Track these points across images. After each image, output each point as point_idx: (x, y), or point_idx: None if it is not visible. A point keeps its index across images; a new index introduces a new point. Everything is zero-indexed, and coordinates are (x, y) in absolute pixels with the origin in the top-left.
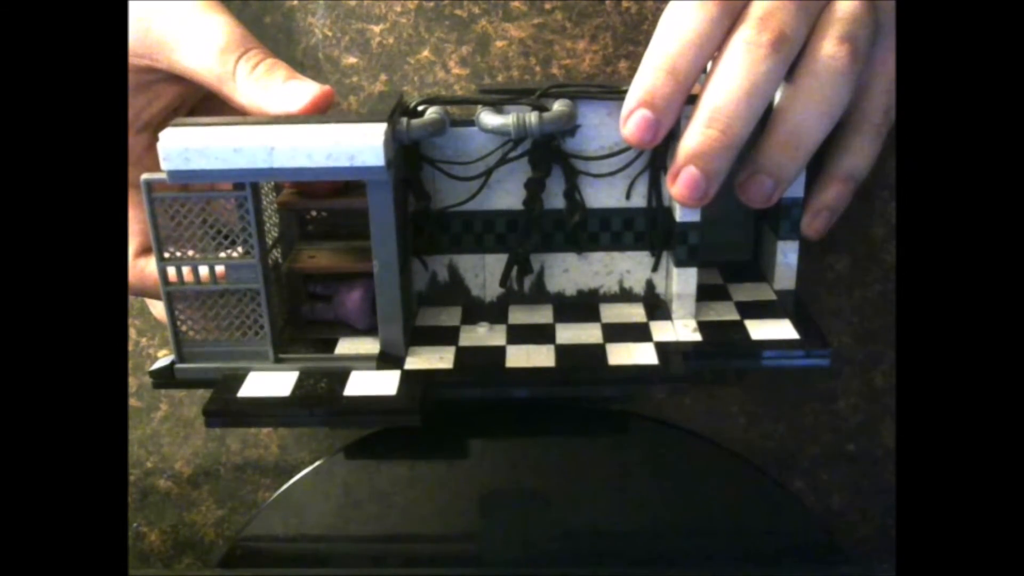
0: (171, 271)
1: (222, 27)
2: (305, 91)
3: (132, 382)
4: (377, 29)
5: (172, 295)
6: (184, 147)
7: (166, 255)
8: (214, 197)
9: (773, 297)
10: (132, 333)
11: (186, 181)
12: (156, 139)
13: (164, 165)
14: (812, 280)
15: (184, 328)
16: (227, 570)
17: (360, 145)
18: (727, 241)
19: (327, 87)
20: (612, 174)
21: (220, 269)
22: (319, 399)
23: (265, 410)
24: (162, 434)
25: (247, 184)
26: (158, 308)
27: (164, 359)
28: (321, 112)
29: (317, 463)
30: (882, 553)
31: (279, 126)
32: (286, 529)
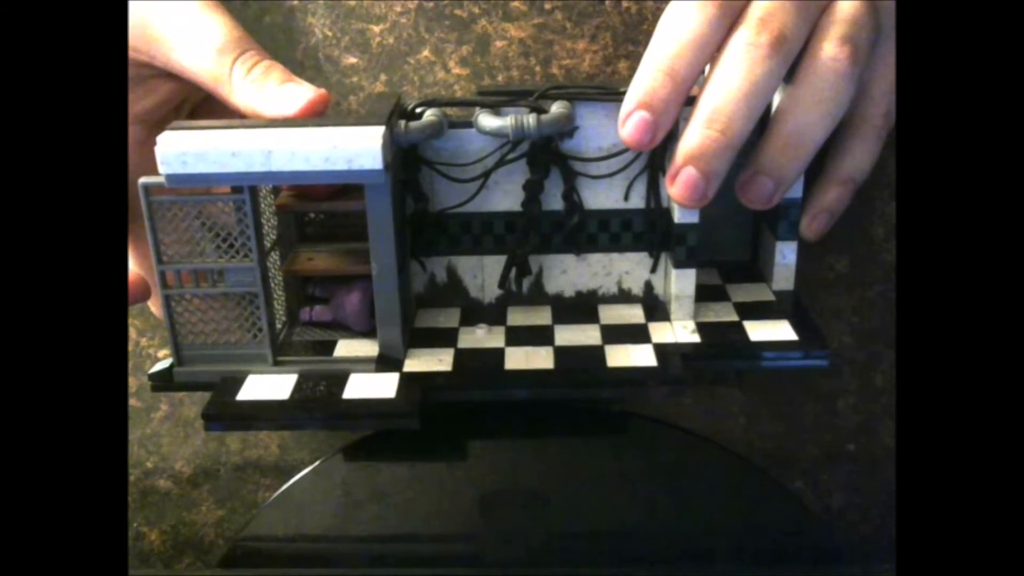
0: (170, 275)
1: (219, 27)
2: (300, 95)
3: (132, 382)
4: (377, 29)
5: (171, 299)
6: (182, 151)
7: (164, 259)
8: (212, 201)
9: (772, 298)
10: (132, 333)
11: (184, 185)
12: (151, 134)
13: (162, 169)
14: (812, 280)
15: (184, 331)
16: (227, 570)
17: (358, 148)
18: (726, 241)
19: (322, 91)
20: (611, 175)
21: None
22: (318, 402)
23: (264, 413)
24: (162, 434)
25: (245, 188)
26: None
27: (162, 362)
28: (317, 116)
29: (317, 463)
30: (882, 553)
31: (277, 129)
32: (286, 529)
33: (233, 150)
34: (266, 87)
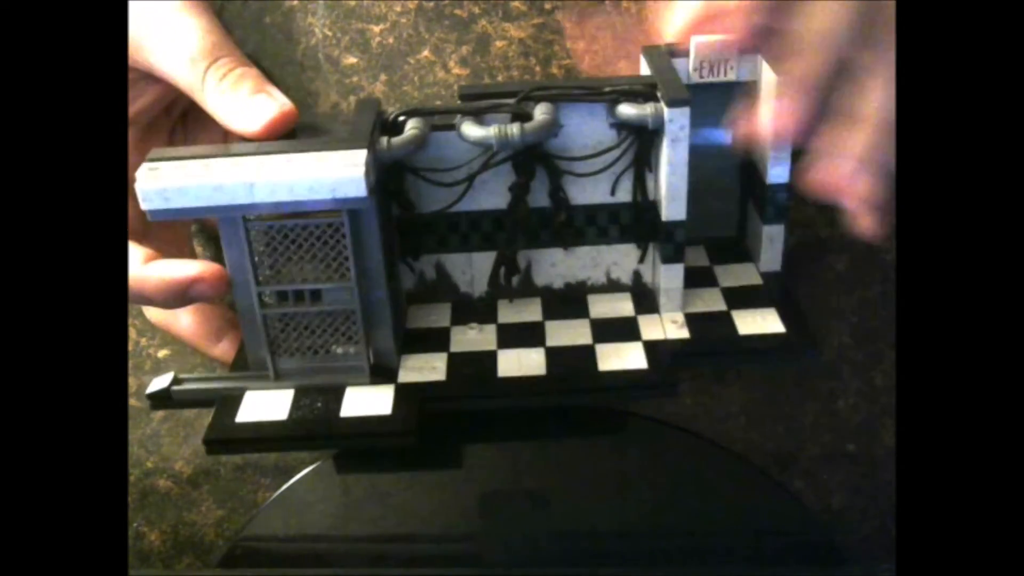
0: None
1: (195, 32)
2: (264, 112)
3: (132, 382)
4: (377, 29)
5: (268, 317)
6: (162, 187)
7: (261, 279)
8: (308, 224)
9: (759, 281)
10: (132, 333)
11: (168, 219)
12: (145, 135)
13: (144, 205)
14: (812, 280)
15: (280, 348)
16: (227, 570)
17: (340, 177)
18: (713, 216)
19: (288, 107)
20: (596, 173)
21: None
22: (317, 422)
23: (265, 436)
24: (162, 434)
25: (344, 211)
26: (153, 311)
27: (159, 380)
28: (282, 132)
29: (317, 463)
30: (882, 553)
31: (259, 158)
32: (286, 529)
33: (215, 184)
34: (236, 97)
